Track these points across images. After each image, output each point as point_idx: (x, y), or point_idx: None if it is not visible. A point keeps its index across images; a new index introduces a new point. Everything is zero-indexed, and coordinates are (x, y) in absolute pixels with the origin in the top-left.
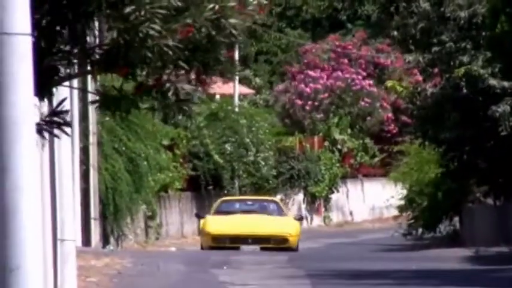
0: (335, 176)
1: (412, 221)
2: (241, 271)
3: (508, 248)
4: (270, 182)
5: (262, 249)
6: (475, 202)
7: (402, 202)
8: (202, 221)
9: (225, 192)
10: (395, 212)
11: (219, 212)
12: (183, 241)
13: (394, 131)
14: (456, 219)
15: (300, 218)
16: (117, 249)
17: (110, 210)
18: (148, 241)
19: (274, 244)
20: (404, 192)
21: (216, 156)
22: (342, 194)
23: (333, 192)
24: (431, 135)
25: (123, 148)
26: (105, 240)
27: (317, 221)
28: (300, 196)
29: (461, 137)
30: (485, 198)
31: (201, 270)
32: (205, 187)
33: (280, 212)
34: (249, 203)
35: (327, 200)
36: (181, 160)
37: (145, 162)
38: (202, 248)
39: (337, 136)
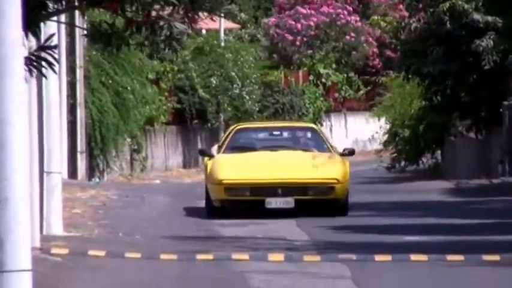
0: (319, 109)
1: (395, 154)
2: None
3: (489, 181)
4: (255, 116)
5: (298, 202)
6: (457, 136)
7: (385, 136)
8: (209, 162)
9: (209, 125)
10: (378, 146)
11: (233, 147)
12: (167, 174)
13: (379, 66)
14: (438, 152)
15: (350, 152)
16: (102, 182)
17: (96, 143)
18: (133, 174)
19: (314, 195)
20: (388, 126)
21: (201, 90)
22: (326, 128)
23: (316, 125)
24: (415, 70)
25: (110, 82)
26: (91, 173)
27: None
28: None
29: (444, 71)
30: (467, 132)
31: (185, 202)
32: (190, 120)
33: (320, 145)
34: (276, 132)
35: None
36: (166, 94)
37: (131, 96)
38: (208, 203)
39: (322, 70)
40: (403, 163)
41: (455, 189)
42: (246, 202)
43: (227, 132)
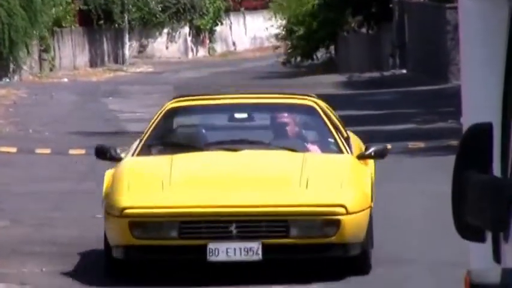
0: (219, 9)
1: (290, 50)
2: (129, 100)
3: (380, 74)
4: (157, 16)
5: (270, 251)
6: (350, 31)
7: (281, 32)
8: (109, 172)
9: (115, 26)
10: (275, 42)
11: (158, 144)
12: (75, 73)
13: None
14: (332, 47)
15: (379, 154)
16: (12, 81)
17: (6, 45)
18: (42, 73)
19: (301, 238)
20: (284, 22)
21: None
22: (226, 26)
23: (217, 24)
24: None
25: None
26: (1, 73)
27: (202, 52)
28: (186, 29)
29: None
30: (359, 28)
31: (92, 99)
32: (96, 22)
33: (323, 140)
34: (241, 115)
35: (211, 32)
36: None
37: None
38: (107, 251)
39: None
40: (298, 58)
41: (348, 82)
42: (171, 251)
43: (157, 114)
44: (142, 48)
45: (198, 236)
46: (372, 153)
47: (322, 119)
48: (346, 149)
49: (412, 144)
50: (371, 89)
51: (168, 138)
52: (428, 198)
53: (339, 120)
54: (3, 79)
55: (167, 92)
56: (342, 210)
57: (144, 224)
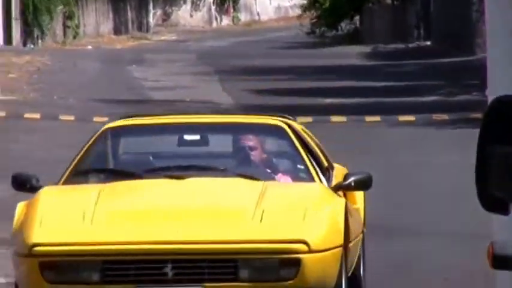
0: None
1: (315, 20)
2: (153, 68)
3: (404, 45)
4: None
5: None
6: (375, 2)
7: (306, 1)
8: (20, 204)
9: None
10: (300, 12)
11: (88, 170)
12: (99, 40)
13: None
14: (357, 18)
15: (359, 185)
16: (37, 48)
17: (30, 10)
18: (66, 40)
19: (253, 280)
20: None
21: None
22: None
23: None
24: None
25: None
26: (25, 40)
27: (226, 21)
28: None
29: None
30: None
31: (116, 67)
32: None
33: (291, 165)
34: (191, 137)
35: (235, 1)
36: None
37: None
38: None
39: None
40: (323, 29)
41: (373, 53)
42: None
43: (93, 136)
44: (166, 16)
45: (125, 280)
46: (352, 184)
47: (292, 142)
48: (319, 178)
49: (436, 116)
50: (395, 60)
51: (102, 164)
52: (452, 170)
53: (319, 148)
54: (28, 45)
55: (191, 61)
56: (302, 247)
57: (57, 264)
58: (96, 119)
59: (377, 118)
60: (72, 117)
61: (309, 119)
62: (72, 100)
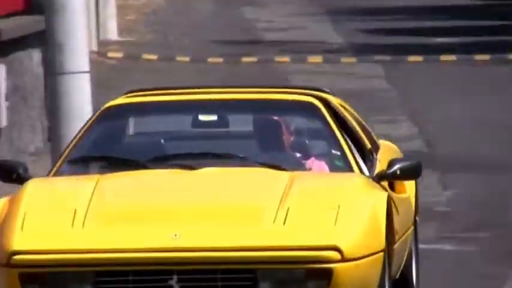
0: None
1: None
2: (266, 9)
3: None
4: None
5: None
6: None
7: None
8: (1, 201)
9: None
10: None
11: (84, 158)
12: None
13: None
14: None
15: (410, 172)
16: None
17: None
18: None
19: None
20: None
21: None
22: None
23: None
24: None
25: None
26: None
27: None
28: None
29: None
30: None
31: (228, 8)
32: None
33: (324, 151)
34: (207, 117)
35: None
36: None
37: None
38: None
39: None
40: None
41: None
42: None
43: (92, 119)
44: None
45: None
46: (398, 172)
47: (326, 123)
48: (358, 166)
49: None
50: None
51: (100, 151)
52: None
53: (362, 126)
54: None
55: (303, 1)
56: (334, 254)
57: (41, 276)
58: (210, 59)
59: (486, 57)
60: (187, 58)
61: (419, 58)
62: (187, 41)
